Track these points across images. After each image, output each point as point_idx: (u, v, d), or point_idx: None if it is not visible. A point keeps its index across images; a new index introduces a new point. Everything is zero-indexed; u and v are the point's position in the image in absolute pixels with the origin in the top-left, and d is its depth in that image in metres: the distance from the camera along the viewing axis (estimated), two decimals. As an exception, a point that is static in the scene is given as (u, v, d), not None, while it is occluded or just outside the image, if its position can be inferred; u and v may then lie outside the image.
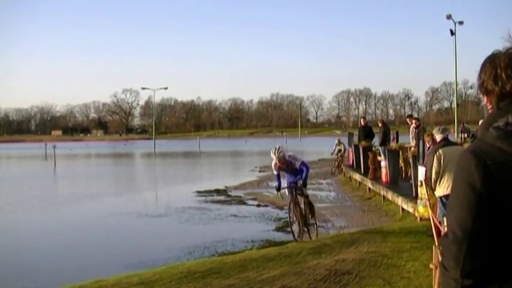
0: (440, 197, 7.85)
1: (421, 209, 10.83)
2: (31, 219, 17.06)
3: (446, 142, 8.12)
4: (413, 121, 16.82)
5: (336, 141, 29.55)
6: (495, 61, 1.82)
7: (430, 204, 7.41)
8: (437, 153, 7.84)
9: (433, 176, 7.83)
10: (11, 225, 15.98)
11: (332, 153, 29.33)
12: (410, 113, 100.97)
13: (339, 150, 28.91)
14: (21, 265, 10.84)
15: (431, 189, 8.30)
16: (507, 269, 1.65)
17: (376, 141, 20.75)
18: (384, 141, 18.47)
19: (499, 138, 1.65)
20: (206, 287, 6.68)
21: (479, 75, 1.86)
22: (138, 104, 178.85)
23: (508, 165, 1.61)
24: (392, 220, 13.42)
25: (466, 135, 28.43)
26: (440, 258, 1.79)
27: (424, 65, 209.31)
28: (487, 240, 1.63)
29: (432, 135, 10.39)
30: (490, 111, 1.82)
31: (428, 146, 10.47)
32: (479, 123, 1.83)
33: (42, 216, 17.49)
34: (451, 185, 1.79)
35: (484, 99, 1.87)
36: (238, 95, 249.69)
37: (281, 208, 17.15)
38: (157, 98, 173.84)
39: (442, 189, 7.72)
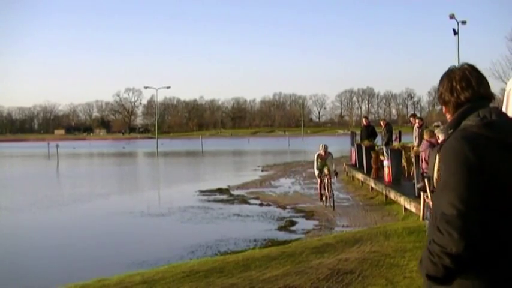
0: None
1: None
2: (34, 218, 17.08)
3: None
4: (417, 120, 16.81)
5: (321, 149, 16.15)
6: (451, 75, 2.23)
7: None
8: (440, 152, 7.82)
9: (435, 174, 7.82)
10: (15, 225, 16.00)
11: (318, 173, 16.21)
12: (413, 112, 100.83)
13: (320, 170, 16.10)
14: (24, 264, 10.86)
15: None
16: (499, 243, 1.96)
17: (378, 140, 20.72)
18: (389, 141, 18.45)
19: (483, 126, 2.04)
20: (209, 286, 6.69)
21: (438, 88, 2.27)
22: (140, 103, 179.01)
23: (493, 147, 1.99)
24: (395, 220, 13.40)
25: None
26: (430, 241, 2.05)
27: (427, 64, 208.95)
28: (485, 213, 1.93)
29: (432, 131, 10.37)
30: (450, 118, 2.21)
31: (425, 141, 10.41)
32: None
33: (45, 216, 17.52)
34: None
35: (444, 110, 2.28)
36: (241, 94, 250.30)
37: (283, 207, 17.17)
38: (160, 97, 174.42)
39: None
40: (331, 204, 15.97)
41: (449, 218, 1.94)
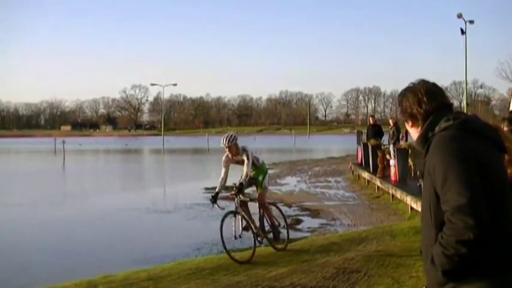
0: None
1: None
2: (39, 214, 17.14)
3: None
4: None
5: (223, 144, 8.81)
6: (415, 90, 2.46)
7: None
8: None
9: None
10: (20, 221, 16.06)
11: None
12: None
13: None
14: (30, 258, 10.90)
15: None
16: (503, 223, 2.13)
17: (385, 139, 20.65)
18: (397, 140, 18.38)
19: (460, 123, 2.27)
20: (214, 283, 6.69)
21: (401, 104, 2.50)
22: (147, 100, 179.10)
23: (475, 139, 2.23)
24: (401, 219, 13.36)
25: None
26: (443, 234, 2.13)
27: (433, 63, 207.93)
28: (488, 196, 2.10)
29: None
30: (417, 130, 2.44)
31: None
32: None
33: (50, 212, 17.57)
34: None
35: (409, 124, 2.50)
36: (247, 92, 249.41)
37: (289, 205, 17.15)
38: (166, 94, 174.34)
39: None
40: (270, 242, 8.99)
41: (461, 206, 2.05)
